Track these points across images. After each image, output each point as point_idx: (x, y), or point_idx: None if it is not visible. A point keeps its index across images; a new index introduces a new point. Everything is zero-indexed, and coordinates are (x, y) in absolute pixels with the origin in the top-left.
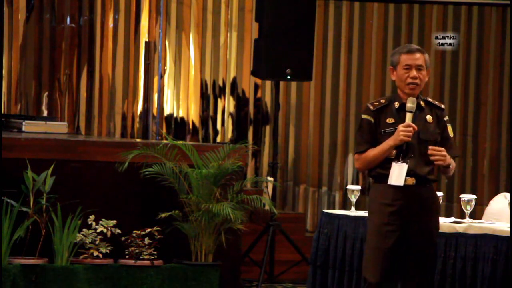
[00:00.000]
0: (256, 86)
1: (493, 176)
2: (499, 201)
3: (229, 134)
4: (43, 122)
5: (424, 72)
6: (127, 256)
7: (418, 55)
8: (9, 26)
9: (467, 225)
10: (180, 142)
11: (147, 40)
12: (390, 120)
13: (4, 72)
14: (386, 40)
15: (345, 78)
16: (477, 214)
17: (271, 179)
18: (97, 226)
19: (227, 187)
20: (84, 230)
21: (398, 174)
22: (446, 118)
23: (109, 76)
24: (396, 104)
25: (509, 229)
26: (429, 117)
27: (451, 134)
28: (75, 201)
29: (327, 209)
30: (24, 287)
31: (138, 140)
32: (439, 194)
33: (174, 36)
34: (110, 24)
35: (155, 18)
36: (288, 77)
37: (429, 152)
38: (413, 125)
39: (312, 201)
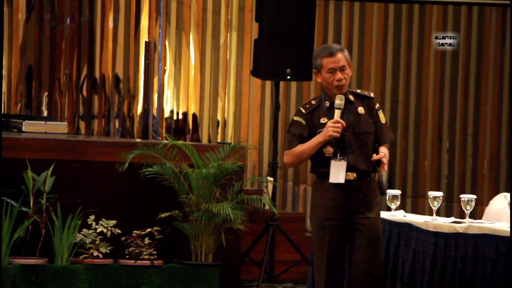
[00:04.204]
0: (256, 86)
1: (493, 176)
2: (499, 201)
3: (229, 134)
4: (43, 122)
5: (348, 70)
6: (127, 256)
7: (339, 55)
8: (9, 26)
9: (467, 225)
10: (180, 142)
11: (147, 40)
12: (323, 120)
13: (4, 72)
14: (386, 40)
15: None
16: (477, 214)
17: (271, 179)
18: (97, 226)
19: (227, 187)
20: (84, 230)
21: (337, 172)
22: (377, 105)
23: (109, 76)
24: (327, 104)
25: (509, 229)
26: (360, 109)
27: (383, 120)
28: (75, 201)
29: None
30: (24, 287)
31: (138, 140)
32: (439, 194)
33: (174, 36)
34: (110, 24)
35: (155, 18)
36: (288, 77)
37: (378, 158)
38: (341, 121)
39: None
